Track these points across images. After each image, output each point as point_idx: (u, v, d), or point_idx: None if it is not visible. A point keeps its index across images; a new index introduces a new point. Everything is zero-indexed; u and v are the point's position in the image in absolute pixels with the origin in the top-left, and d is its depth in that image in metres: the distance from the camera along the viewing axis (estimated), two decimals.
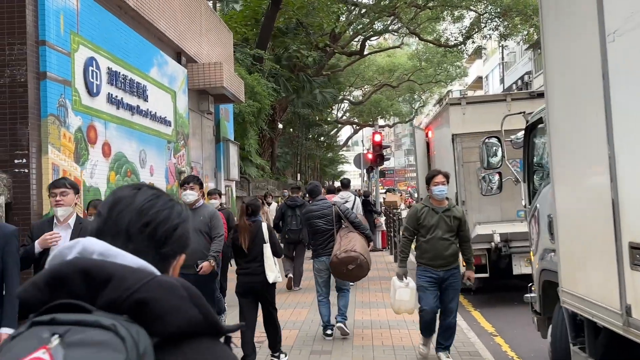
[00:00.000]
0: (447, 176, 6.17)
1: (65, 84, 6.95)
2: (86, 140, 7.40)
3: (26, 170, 6.28)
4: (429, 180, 6.10)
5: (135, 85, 8.96)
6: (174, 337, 1.04)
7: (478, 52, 45.07)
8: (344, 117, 53.89)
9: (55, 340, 0.93)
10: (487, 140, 6.73)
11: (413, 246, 6.28)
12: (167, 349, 1.03)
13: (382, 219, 17.22)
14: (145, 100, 9.36)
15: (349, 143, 63.48)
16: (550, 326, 5.47)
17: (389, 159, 23.46)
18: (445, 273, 6.01)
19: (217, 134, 14.08)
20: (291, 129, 38.14)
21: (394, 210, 26.15)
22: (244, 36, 21.86)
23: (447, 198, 6.13)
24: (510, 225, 9.25)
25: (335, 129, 53.58)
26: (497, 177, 6.82)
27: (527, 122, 6.46)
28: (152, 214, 1.18)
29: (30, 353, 0.92)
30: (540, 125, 6.22)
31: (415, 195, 15.77)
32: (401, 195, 28.48)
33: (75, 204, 4.14)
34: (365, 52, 38.76)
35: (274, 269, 5.82)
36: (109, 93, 8.06)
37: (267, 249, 5.81)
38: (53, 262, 1.09)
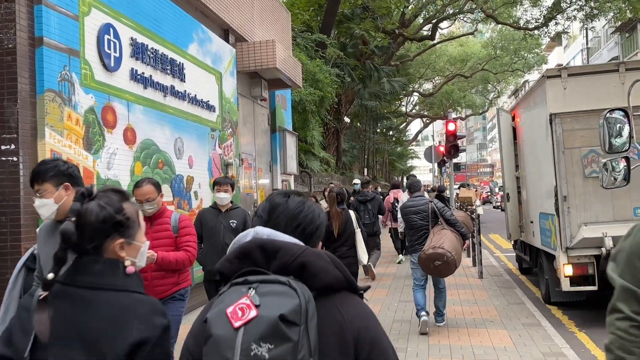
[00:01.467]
0: None
1: (71, 54, 5.66)
2: (101, 123, 6.10)
3: (15, 159, 5.01)
4: None
5: (168, 61, 7.65)
6: (325, 290, 1.48)
7: (558, 39, 42.09)
8: (414, 111, 51.89)
9: (252, 292, 1.40)
10: (609, 116, 4.97)
11: None
12: (321, 299, 1.46)
13: None
14: (182, 80, 8.04)
15: (419, 137, 61.33)
16: None
17: (464, 150, 21.61)
18: None
19: (272, 123, 12.69)
20: (358, 123, 36.57)
21: (469, 207, 24.23)
22: (306, 23, 20.44)
23: None
24: (624, 226, 7.38)
25: (405, 123, 51.66)
26: (623, 163, 5.08)
27: None
28: (301, 218, 1.63)
29: (236, 301, 1.39)
30: None
31: (496, 189, 13.55)
32: (476, 191, 26.34)
33: None
34: (437, 40, 36.74)
35: (365, 252, 6.55)
36: (132, 69, 6.76)
37: (358, 234, 6.50)
38: (235, 245, 1.56)
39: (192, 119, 8.33)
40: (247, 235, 1.56)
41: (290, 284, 1.39)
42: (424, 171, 58.58)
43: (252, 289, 1.40)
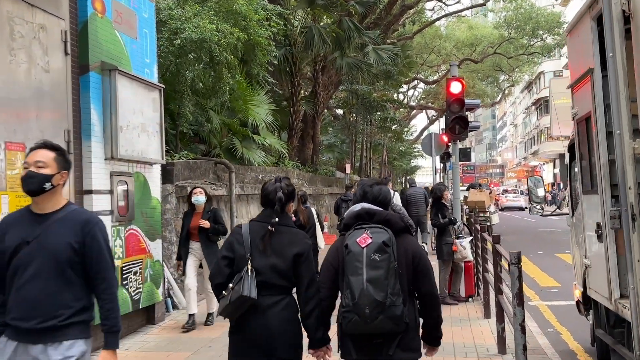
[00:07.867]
0: None
1: None
2: None
3: None
4: None
5: None
6: (398, 232, 2.96)
7: None
8: (419, 104, 44.97)
9: (368, 232, 2.90)
10: None
11: None
12: (396, 236, 2.93)
13: (467, 241, 8.40)
14: None
15: (424, 135, 54.31)
16: None
17: (478, 127, 14.90)
18: None
19: (80, 53, 5.91)
20: (353, 114, 29.76)
21: (481, 214, 17.21)
22: None
23: None
24: None
25: (407, 119, 44.73)
26: None
27: None
28: (380, 198, 3.12)
29: (360, 236, 2.89)
30: None
31: (539, 191, 6.30)
32: (490, 193, 19.41)
33: None
34: (440, 15, 29.90)
35: (322, 239, 8.76)
36: None
37: (318, 225, 8.66)
38: (350, 212, 3.09)
39: None
40: (356, 207, 3.07)
41: (384, 228, 2.90)
42: (426, 172, 51.68)
43: (367, 230, 2.89)
